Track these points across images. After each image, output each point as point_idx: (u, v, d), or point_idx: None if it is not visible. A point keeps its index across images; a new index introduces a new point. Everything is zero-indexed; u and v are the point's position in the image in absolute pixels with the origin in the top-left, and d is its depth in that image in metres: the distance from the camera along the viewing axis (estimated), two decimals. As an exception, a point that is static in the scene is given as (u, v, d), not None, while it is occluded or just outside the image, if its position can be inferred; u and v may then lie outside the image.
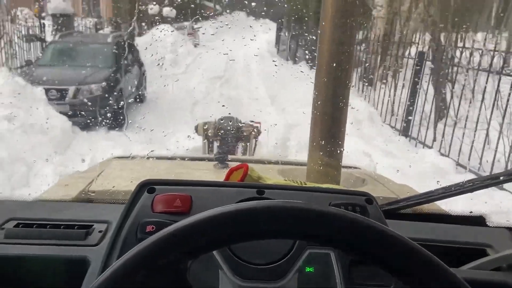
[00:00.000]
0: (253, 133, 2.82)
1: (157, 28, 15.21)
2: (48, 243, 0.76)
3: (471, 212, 0.98)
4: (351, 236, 0.46)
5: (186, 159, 1.77)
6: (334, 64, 1.34)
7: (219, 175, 1.44)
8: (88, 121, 5.41)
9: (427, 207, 0.99)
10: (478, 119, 4.36)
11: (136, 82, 7.23)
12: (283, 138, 5.04)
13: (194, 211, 0.71)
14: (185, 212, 0.71)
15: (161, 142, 4.87)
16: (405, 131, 5.68)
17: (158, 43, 12.55)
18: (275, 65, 10.01)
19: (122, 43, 7.48)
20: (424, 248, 0.45)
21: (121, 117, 5.91)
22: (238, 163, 1.42)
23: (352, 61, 1.44)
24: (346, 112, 1.42)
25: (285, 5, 12.17)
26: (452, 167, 4.50)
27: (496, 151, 4.09)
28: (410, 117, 5.60)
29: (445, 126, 4.94)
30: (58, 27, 7.96)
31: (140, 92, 7.61)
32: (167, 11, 20.71)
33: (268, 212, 0.47)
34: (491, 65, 4.41)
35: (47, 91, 5.22)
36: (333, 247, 0.52)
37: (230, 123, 2.79)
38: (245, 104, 7.21)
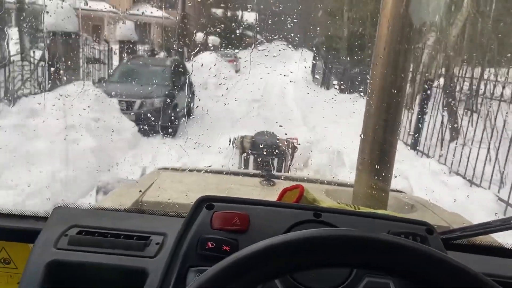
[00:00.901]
0: (289, 148, 2.81)
1: (203, 55, 16.66)
2: (109, 252, 0.77)
3: None
4: (425, 269, 0.45)
5: (231, 173, 1.78)
6: (387, 89, 1.34)
7: (267, 192, 1.46)
8: (149, 128, 6.53)
9: (482, 239, 0.95)
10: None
11: (187, 99, 8.39)
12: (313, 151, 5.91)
13: (252, 229, 0.72)
14: (243, 231, 0.72)
15: (206, 151, 5.86)
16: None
17: (203, 68, 13.85)
18: (308, 91, 10.96)
19: (177, 66, 8.72)
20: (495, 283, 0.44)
21: (176, 127, 7.03)
22: (283, 180, 1.52)
23: (406, 86, 1.43)
24: (396, 136, 1.41)
25: (322, 38, 13.21)
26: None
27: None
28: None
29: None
30: (123, 50, 9.39)
31: (189, 109, 8.75)
32: (212, 39, 22.42)
33: (348, 242, 0.47)
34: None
35: (118, 102, 6.41)
36: (402, 278, 0.50)
37: (267, 138, 2.82)
38: (280, 123, 8.16)
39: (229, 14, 25.59)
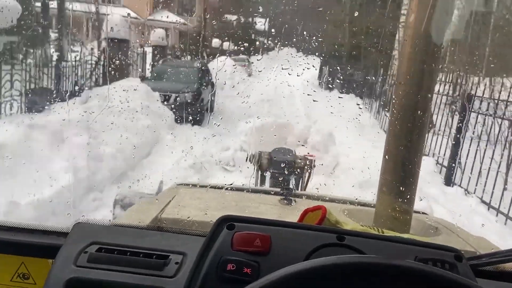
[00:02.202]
0: (307, 166, 2.79)
1: (218, 59, 18.35)
2: (128, 271, 0.77)
3: None
4: None
5: (250, 191, 1.78)
6: (411, 109, 1.31)
7: (286, 211, 1.46)
8: (181, 117, 8.12)
9: (510, 266, 0.90)
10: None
11: (209, 96, 9.99)
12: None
13: (273, 252, 0.71)
14: (265, 253, 0.71)
15: (224, 134, 7.36)
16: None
17: (219, 71, 15.51)
18: (313, 92, 12.48)
19: (202, 67, 10.35)
20: None
21: (202, 117, 8.63)
22: (303, 199, 1.57)
23: (430, 106, 1.38)
24: (421, 156, 1.38)
25: (329, 46, 14.73)
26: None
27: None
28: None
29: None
30: (156, 53, 11.05)
31: (210, 104, 10.35)
32: (226, 45, 24.16)
33: (390, 269, 0.48)
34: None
35: (159, 95, 8.03)
36: None
37: (284, 155, 2.78)
38: (287, 118, 9.69)
39: (242, 21, 27.23)
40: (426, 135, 1.51)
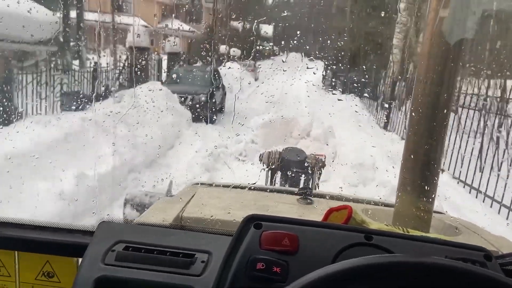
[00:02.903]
0: (316, 165, 2.78)
1: (227, 64, 19.39)
2: (155, 269, 0.78)
3: None
4: None
5: (268, 190, 1.81)
6: (432, 107, 1.30)
7: (305, 211, 1.49)
8: (197, 116, 9.07)
9: None
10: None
11: (220, 98, 10.95)
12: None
13: (302, 251, 0.71)
14: (293, 252, 0.71)
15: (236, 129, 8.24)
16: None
17: (228, 76, 16.53)
18: (315, 93, 13.40)
19: (213, 72, 11.33)
20: None
21: (215, 117, 9.58)
22: (321, 198, 1.61)
23: (451, 104, 1.37)
24: (441, 155, 1.38)
25: (333, 51, 15.64)
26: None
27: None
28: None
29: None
30: (171, 60, 12.09)
31: (222, 105, 11.31)
32: (233, 51, 25.21)
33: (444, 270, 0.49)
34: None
35: (178, 96, 9.00)
36: None
37: (295, 154, 2.79)
38: (292, 116, 10.61)
39: (248, 28, 28.26)
40: (448, 134, 1.40)
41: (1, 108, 5.60)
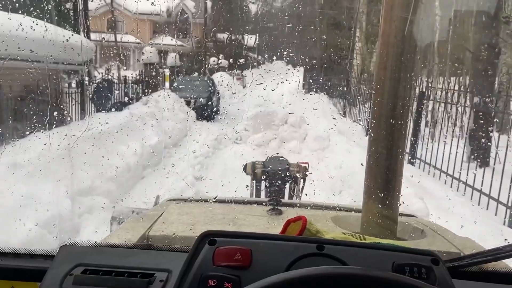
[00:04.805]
0: (300, 173, 2.82)
1: (218, 74, 21.95)
2: None
3: None
4: None
5: (238, 202, 1.81)
6: (388, 117, 1.33)
7: (274, 222, 1.50)
8: (198, 115, 11.50)
9: (493, 266, 0.93)
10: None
11: (216, 101, 13.43)
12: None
13: (254, 265, 0.73)
14: (246, 266, 0.72)
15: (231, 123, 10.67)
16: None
17: (219, 84, 19.04)
18: (296, 94, 15.90)
19: (209, 80, 13.83)
20: None
21: (214, 116, 12.05)
22: (291, 208, 1.64)
23: (407, 113, 1.40)
24: (403, 162, 1.40)
25: (311, 60, 18.17)
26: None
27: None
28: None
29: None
30: (172, 71, 14.62)
31: (217, 108, 13.80)
32: (222, 62, 27.86)
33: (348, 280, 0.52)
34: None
35: (183, 100, 11.44)
36: None
37: (278, 164, 2.83)
38: (276, 114, 13.12)
39: (234, 41, 30.81)
40: (406, 142, 1.38)
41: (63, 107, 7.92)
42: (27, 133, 5.33)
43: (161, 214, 1.51)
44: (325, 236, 0.88)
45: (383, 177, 1.35)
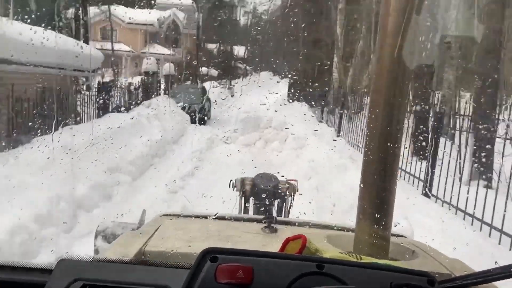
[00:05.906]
0: (289, 190, 2.87)
1: (208, 83, 23.40)
2: None
3: None
4: None
5: (233, 219, 1.83)
6: (383, 139, 1.37)
7: (269, 240, 1.53)
8: (192, 119, 12.84)
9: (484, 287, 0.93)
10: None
11: (208, 107, 14.81)
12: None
13: (256, 283, 0.73)
14: (248, 284, 0.73)
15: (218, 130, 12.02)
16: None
17: (210, 92, 20.45)
18: (281, 103, 17.38)
19: (201, 87, 15.24)
20: None
21: (205, 120, 13.42)
22: (286, 226, 1.67)
23: (401, 136, 1.42)
24: (395, 182, 1.44)
25: (295, 71, 19.67)
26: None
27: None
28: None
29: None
30: (166, 79, 15.98)
31: (208, 113, 15.18)
32: (211, 72, 29.30)
33: None
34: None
35: (181, 106, 12.78)
36: None
37: (267, 181, 2.84)
38: (264, 117, 14.51)
39: (224, 51, 32.32)
40: (399, 163, 1.58)
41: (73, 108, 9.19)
42: (60, 127, 6.60)
43: (157, 230, 1.53)
44: (323, 255, 0.92)
45: (379, 198, 1.40)
